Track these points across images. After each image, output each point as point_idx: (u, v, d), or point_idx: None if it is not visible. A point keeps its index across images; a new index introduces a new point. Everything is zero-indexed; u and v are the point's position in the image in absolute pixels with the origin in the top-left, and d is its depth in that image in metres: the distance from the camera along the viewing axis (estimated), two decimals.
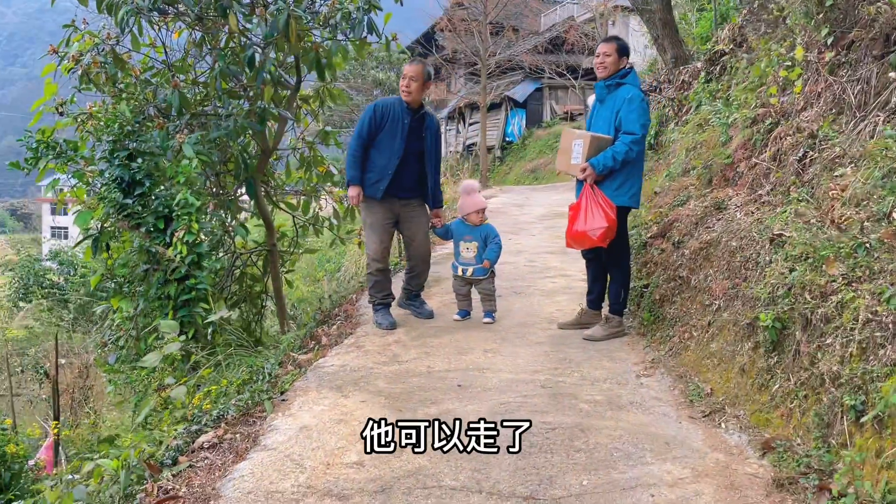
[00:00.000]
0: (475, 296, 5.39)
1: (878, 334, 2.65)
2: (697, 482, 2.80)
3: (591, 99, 5.54)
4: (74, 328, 12.65)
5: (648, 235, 5.68)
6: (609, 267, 4.93)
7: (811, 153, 4.37)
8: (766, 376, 3.34)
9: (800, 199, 3.97)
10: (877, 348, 2.66)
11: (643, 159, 4.96)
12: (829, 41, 4.68)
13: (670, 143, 8.32)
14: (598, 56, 4.83)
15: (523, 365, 4.27)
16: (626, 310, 5.10)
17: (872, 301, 2.75)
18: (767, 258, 3.70)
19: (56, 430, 5.96)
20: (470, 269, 5.22)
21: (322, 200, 8.27)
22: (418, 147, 5.11)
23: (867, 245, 3.00)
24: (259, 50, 6.27)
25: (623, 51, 4.76)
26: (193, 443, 3.27)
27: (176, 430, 3.40)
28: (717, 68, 7.77)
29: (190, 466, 3.04)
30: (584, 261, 5.15)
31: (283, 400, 3.77)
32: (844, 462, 2.58)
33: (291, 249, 8.14)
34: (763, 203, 4.54)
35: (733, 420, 3.33)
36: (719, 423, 3.34)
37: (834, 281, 3.04)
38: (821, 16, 4.75)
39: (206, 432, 3.36)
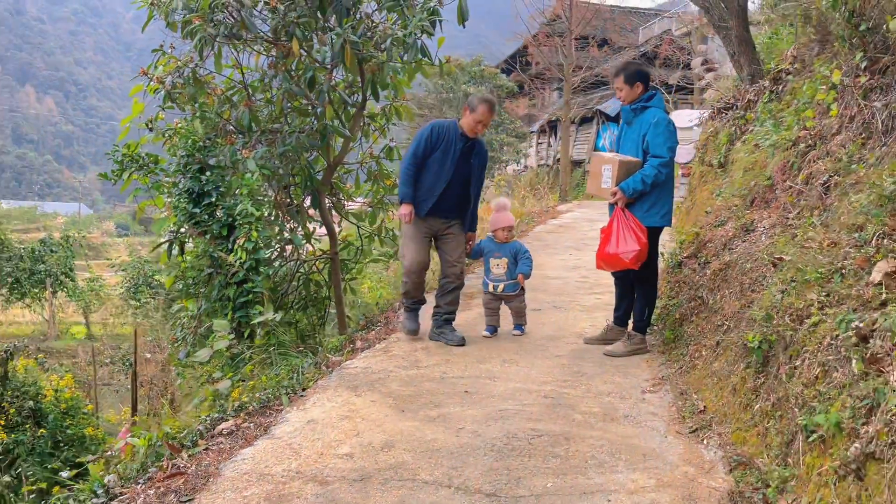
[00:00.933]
0: (504, 312, 5.58)
1: (830, 357, 2.72)
2: (657, 491, 2.93)
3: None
4: (164, 326, 13.67)
5: (684, 255, 5.73)
6: (636, 285, 5.04)
7: (835, 177, 4.36)
8: (751, 396, 3.41)
9: (811, 223, 3.99)
10: (832, 371, 2.72)
11: (672, 180, 5.04)
12: (864, 65, 4.64)
13: (732, 163, 8.24)
14: (615, 89, 5.01)
15: (535, 376, 4.46)
16: (651, 328, 5.19)
17: (834, 325, 2.81)
18: (770, 280, 3.75)
19: (130, 417, 6.59)
20: (501, 286, 5.37)
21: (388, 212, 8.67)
22: (466, 172, 5.22)
23: (843, 271, 3.05)
24: (321, 71, 6.73)
25: (631, 78, 4.87)
26: (214, 429, 3.67)
27: (202, 417, 3.81)
28: (781, 87, 7.65)
29: (206, 449, 3.44)
30: None
31: (302, 395, 4.13)
32: (793, 478, 2.67)
33: (357, 258, 8.58)
34: (787, 226, 4.55)
35: (716, 437, 3.42)
36: (702, 440, 3.44)
37: (811, 305, 3.10)
38: (855, 39, 4.72)
39: (227, 420, 3.75)
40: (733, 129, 9.06)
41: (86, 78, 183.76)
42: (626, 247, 4.70)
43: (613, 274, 5.16)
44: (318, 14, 6.79)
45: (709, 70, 18.19)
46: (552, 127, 29.86)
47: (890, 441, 2.17)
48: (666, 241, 6.26)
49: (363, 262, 8.82)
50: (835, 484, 2.42)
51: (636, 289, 5.03)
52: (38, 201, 76.79)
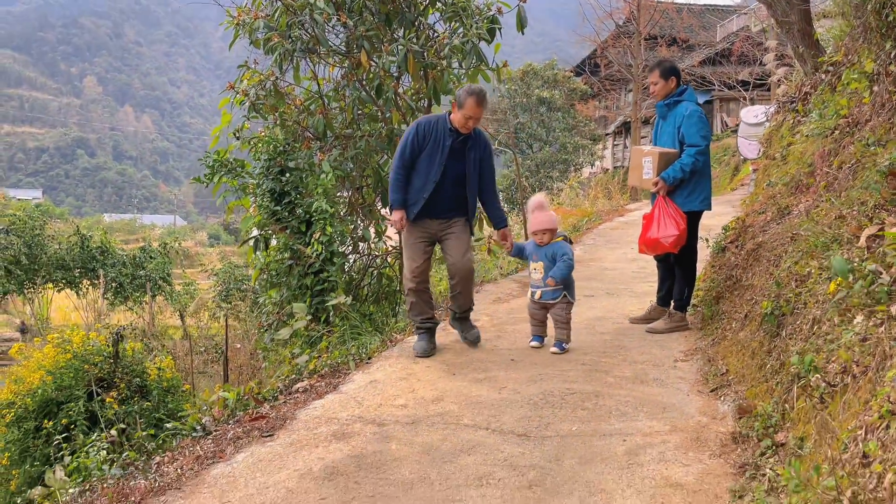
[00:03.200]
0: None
1: (818, 312, 3.06)
2: (669, 434, 3.33)
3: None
4: (251, 316, 14.68)
5: (728, 241, 6.01)
6: (676, 266, 5.38)
7: (861, 161, 4.61)
8: (764, 357, 3.74)
9: (829, 201, 4.28)
10: (822, 323, 3.07)
11: (709, 166, 5.37)
12: (893, 54, 4.86)
13: (789, 154, 8.38)
14: (649, 85, 5.36)
15: (577, 348, 4.88)
16: (695, 308, 5.51)
17: (825, 287, 3.15)
18: (787, 254, 4.07)
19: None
20: (538, 292, 4.85)
21: None
22: (459, 170, 4.76)
23: (840, 239, 3.37)
24: (388, 80, 7.34)
25: (667, 73, 5.22)
26: (291, 387, 4.28)
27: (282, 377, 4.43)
28: (835, 78, 7.77)
29: (284, 402, 4.04)
30: None
31: (367, 362, 4.69)
32: (788, 420, 3.02)
33: None
34: (817, 208, 4.83)
35: (732, 394, 3.77)
36: (720, 397, 3.80)
37: (811, 270, 3.44)
38: (885, 29, 4.94)
39: (302, 381, 4.35)
40: (792, 121, 9.18)
41: (179, 96, 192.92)
42: (667, 231, 5.06)
43: (655, 257, 5.52)
44: (385, 27, 7.41)
45: (784, 65, 17.95)
46: (627, 128, 29.84)
47: (845, 373, 2.53)
48: (712, 227, 6.54)
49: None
50: (814, 418, 2.78)
51: (676, 270, 5.37)
52: (138, 214, 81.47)
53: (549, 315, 4.93)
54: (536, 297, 4.85)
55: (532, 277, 4.93)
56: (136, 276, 20.48)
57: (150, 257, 21.75)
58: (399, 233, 5.06)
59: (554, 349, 4.78)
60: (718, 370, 4.13)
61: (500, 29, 7.38)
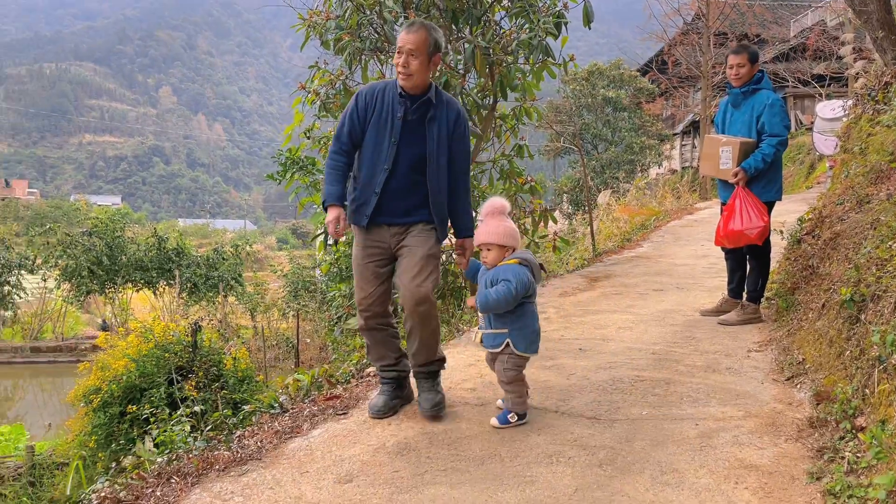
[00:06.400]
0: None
1: None
2: (743, 420, 3.28)
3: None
4: (321, 310, 15.04)
5: (804, 233, 5.85)
6: (751, 257, 5.27)
7: None
8: (843, 345, 3.64)
9: None
10: None
11: (781, 156, 5.24)
12: None
13: (867, 147, 8.08)
14: (731, 67, 5.19)
15: (647, 339, 4.84)
16: (769, 301, 5.39)
17: None
18: (867, 241, 3.95)
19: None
20: (479, 335, 3.42)
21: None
22: (417, 151, 3.40)
23: None
24: (455, 77, 7.42)
25: (754, 58, 5.12)
26: (363, 371, 4.38)
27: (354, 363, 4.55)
28: None
29: (356, 384, 4.15)
30: None
31: None
32: (868, 405, 2.95)
33: None
34: None
35: (810, 382, 3.68)
36: (796, 385, 3.72)
37: (895, 254, 3.34)
38: None
39: (373, 366, 4.45)
40: (872, 112, 8.86)
41: (249, 105, 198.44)
42: (751, 223, 4.94)
43: (723, 248, 5.41)
44: (452, 24, 7.50)
45: (862, 59, 17.29)
46: (695, 128, 29.20)
47: None
48: (786, 222, 6.38)
49: None
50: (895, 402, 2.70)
51: (750, 261, 5.26)
52: (210, 219, 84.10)
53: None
54: (476, 339, 3.45)
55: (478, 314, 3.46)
56: (209, 277, 21.15)
57: (223, 259, 22.43)
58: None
59: (493, 421, 3.32)
60: (794, 359, 4.04)
61: (566, 24, 7.37)
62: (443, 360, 3.60)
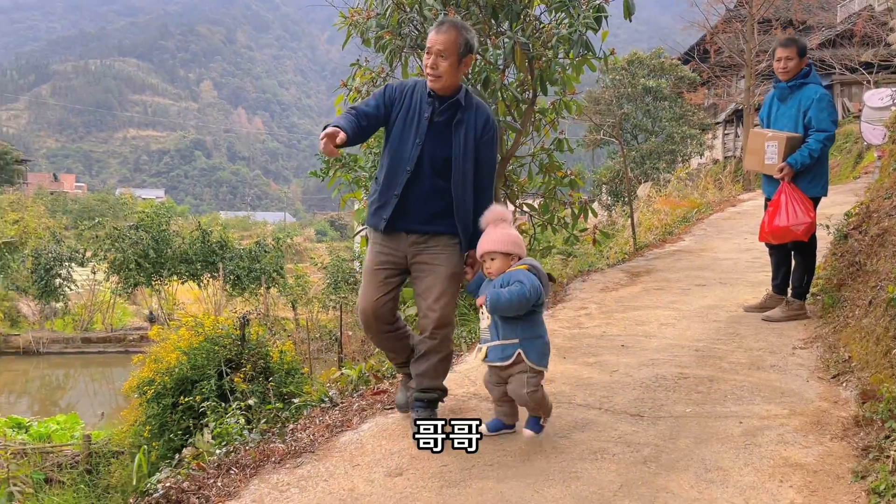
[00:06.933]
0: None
1: None
2: (788, 418, 3.30)
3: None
4: None
5: (850, 227, 5.78)
6: (796, 253, 5.23)
7: None
8: (891, 343, 3.63)
9: None
10: None
11: (828, 151, 5.18)
12: None
13: None
14: (779, 60, 5.12)
15: (689, 335, 4.86)
16: (815, 297, 5.35)
17: None
18: None
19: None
20: (483, 349, 3.14)
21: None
22: (443, 154, 3.23)
23: None
24: (494, 72, 7.47)
25: (803, 52, 5.06)
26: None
27: None
28: None
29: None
30: None
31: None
32: None
33: (530, 245, 9.24)
34: None
35: (855, 381, 3.67)
36: (842, 383, 3.71)
37: None
38: None
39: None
40: None
41: (288, 98, 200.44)
42: (797, 219, 4.89)
43: (768, 245, 5.37)
44: (492, 20, 7.54)
45: None
46: (738, 117, 28.70)
47: None
48: (833, 215, 6.30)
49: (537, 250, 9.48)
50: None
51: (796, 257, 5.22)
52: (250, 211, 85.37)
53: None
54: (480, 356, 3.16)
55: (481, 327, 3.21)
56: (251, 269, 21.53)
57: (265, 251, 22.81)
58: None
59: (526, 430, 3.09)
60: (840, 357, 4.03)
61: (606, 17, 7.36)
62: (445, 391, 3.42)
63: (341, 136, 2.98)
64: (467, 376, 4.14)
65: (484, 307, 3.04)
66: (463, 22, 3.27)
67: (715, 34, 20.86)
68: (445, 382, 3.46)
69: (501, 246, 3.05)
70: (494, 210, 3.15)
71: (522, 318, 3.02)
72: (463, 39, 3.17)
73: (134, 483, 4.04)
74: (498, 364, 3.07)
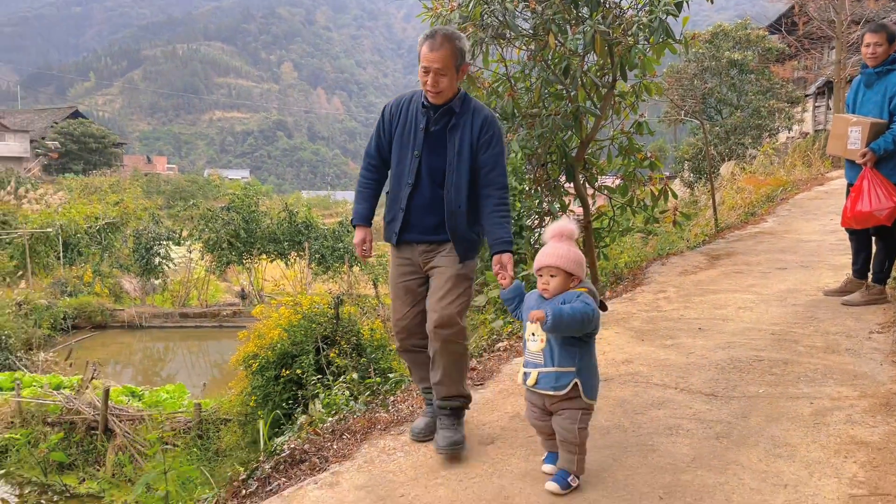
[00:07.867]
0: None
1: None
2: (858, 400, 3.48)
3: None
4: None
5: None
6: (877, 238, 5.27)
7: None
8: None
9: None
10: None
11: None
12: None
13: None
14: (867, 46, 5.12)
15: (767, 319, 5.01)
16: (891, 279, 5.38)
17: None
18: None
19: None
20: (533, 375, 2.82)
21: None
22: (439, 163, 3.23)
23: None
24: (574, 59, 7.65)
25: (893, 38, 5.03)
26: (493, 346, 4.83)
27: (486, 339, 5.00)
28: None
29: (488, 358, 4.60)
30: None
31: None
32: None
33: (610, 227, 9.40)
34: None
35: None
36: None
37: None
38: None
39: (503, 341, 4.89)
40: None
41: (365, 77, 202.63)
42: (881, 204, 4.94)
43: (848, 229, 5.42)
44: (572, 9, 7.70)
45: None
46: (829, 89, 27.56)
47: None
48: None
49: (616, 231, 9.63)
50: None
51: (877, 241, 5.27)
52: (330, 190, 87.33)
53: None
54: (530, 381, 2.82)
55: (528, 349, 2.86)
56: (335, 249, 22.29)
57: (348, 231, 23.53)
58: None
59: (548, 485, 2.80)
60: None
61: (687, 2, 7.40)
62: (468, 397, 3.31)
63: (366, 241, 3.33)
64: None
65: (539, 324, 2.69)
66: (454, 30, 3.24)
67: (804, 4, 20.11)
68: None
69: (565, 263, 2.75)
70: (561, 224, 2.88)
71: (580, 346, 2.76)
72: (457, 50, 3.12)
73: (261, 445, 4.53)
74: (550, 393, 2.76)
